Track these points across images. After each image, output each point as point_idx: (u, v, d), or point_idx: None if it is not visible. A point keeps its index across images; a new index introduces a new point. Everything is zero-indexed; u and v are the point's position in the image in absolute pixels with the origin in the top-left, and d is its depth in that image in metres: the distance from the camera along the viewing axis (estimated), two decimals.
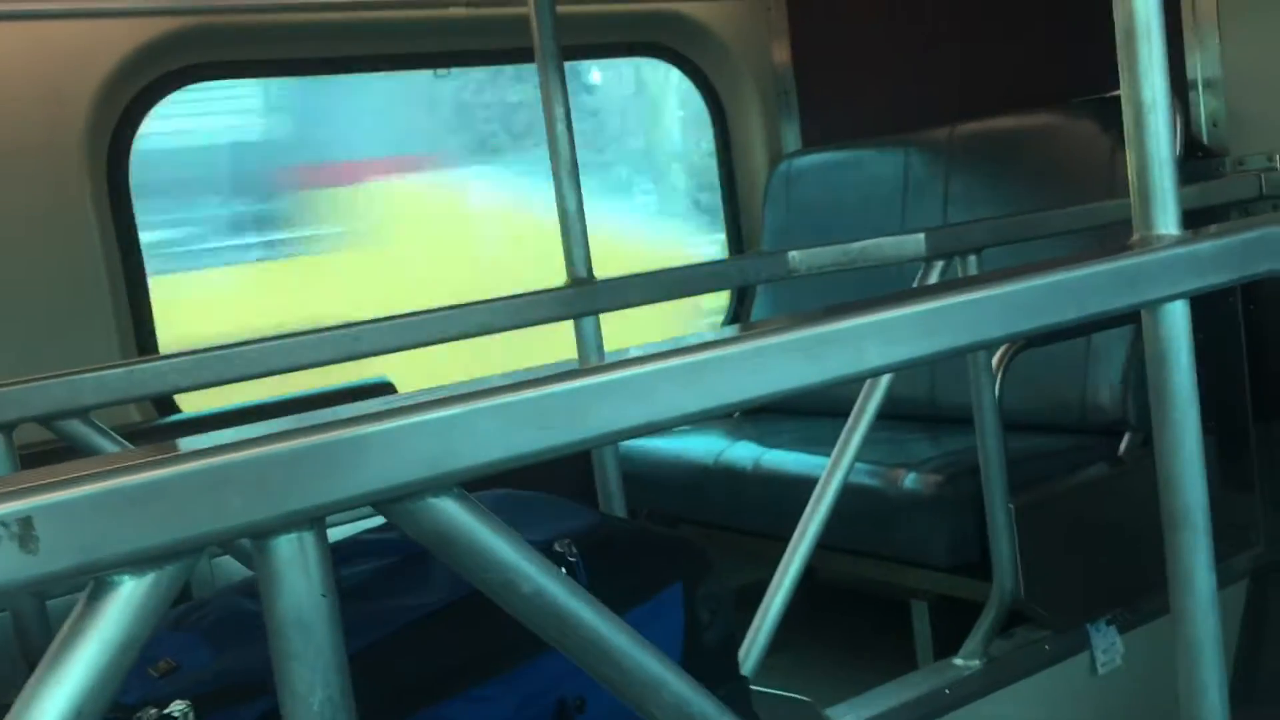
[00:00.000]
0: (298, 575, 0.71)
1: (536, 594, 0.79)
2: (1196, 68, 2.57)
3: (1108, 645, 2.34)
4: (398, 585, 1.37)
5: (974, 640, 2.20)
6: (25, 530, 0.60)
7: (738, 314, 3.53)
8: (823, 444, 2.70)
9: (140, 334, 2.62)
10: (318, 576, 0.72)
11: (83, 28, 2.54)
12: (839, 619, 2.96)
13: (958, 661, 2.22)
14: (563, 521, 1.46)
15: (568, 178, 1.87)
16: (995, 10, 3.14)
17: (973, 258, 2.06)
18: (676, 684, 0.83)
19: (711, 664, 1.44)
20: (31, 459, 1.48)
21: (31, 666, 1.50)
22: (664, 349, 0.83)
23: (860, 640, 2.87)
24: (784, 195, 3.38)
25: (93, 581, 0.66)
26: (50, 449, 1.60)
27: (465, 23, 3.01)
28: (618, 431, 0.80)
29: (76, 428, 1.46)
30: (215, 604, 1.42)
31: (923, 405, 2.86)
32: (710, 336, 0.85)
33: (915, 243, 2.01)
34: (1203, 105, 2.57)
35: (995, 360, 2.13)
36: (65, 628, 0.66)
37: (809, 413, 2.97)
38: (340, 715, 0.72)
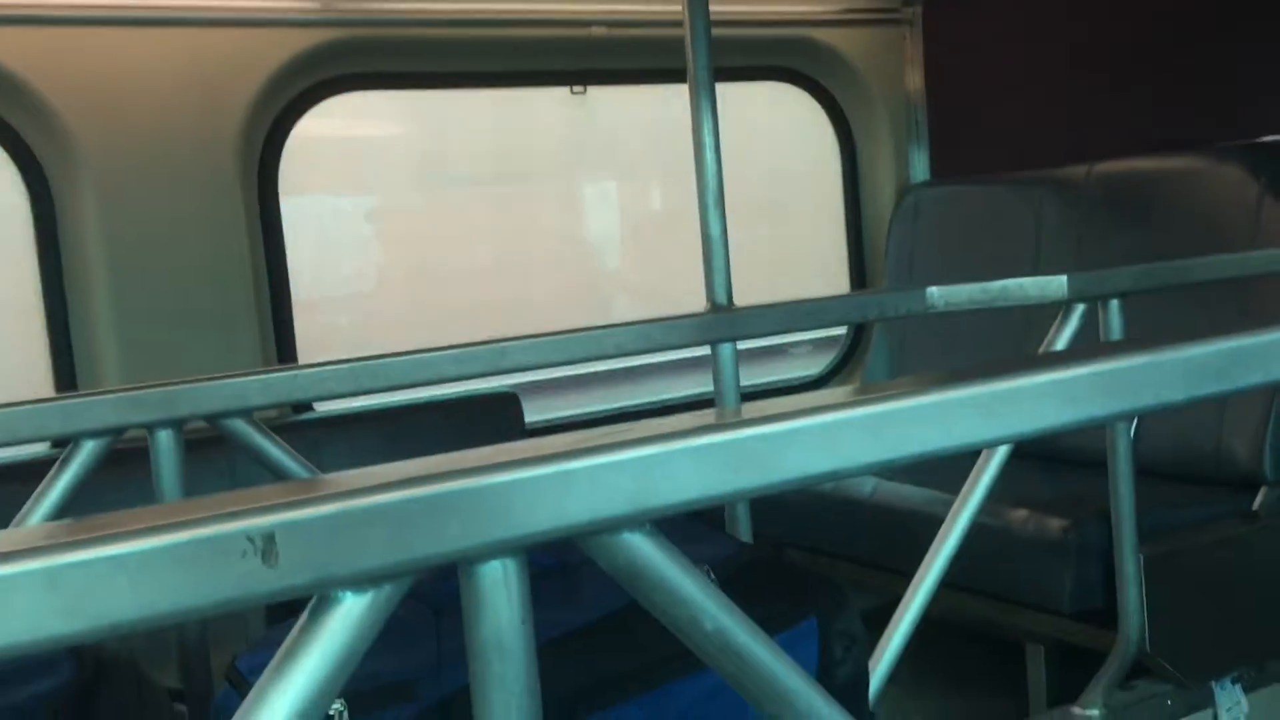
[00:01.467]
0: (501, 601, 0.74)
1: (717, 632, 0.81)
2: None
3: (1232, 704, 2.27)
4: (540, 601, 1.40)
5: (1095, 690, 2.16)
6: (268, 545, 0.64)
7: (855, 343, 3.51)
8: (938, 474, 2.68)
9: (281, 338, 2.71)
10: (519, 603, 0.75)
11: (242, 35, 2.64)
12: (948, 657, 2.93)
13: (1076, 710, 2.18)
14: (702, 547, 1.48)
15: (713, 204, 1.89)
16: (1138, 50, 3.08)
17: (1114, 303, 2.03)
18: None
19: (843, 701, 1.44)
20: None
21: (183, 647, 1.56)
22: (849, 397, 0.84)
23: (969, 681, 2.84)
24: (910, 227, 3.36)
25: (316, 596, 0.70)
26: (199, 439, 1.68)
27: (604, 43, 3.06)
28: (805, 478, 0.81)
29: (240, 426, 1.52)
30: None
31: (1040, 443, 2.81)
32: (891, 387, 0.86)
33: (1058, 285, 1.98)
34: None
35: None
36: (290, 639, 0.70)
37: None
38: None
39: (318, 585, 0.67)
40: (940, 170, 3.46)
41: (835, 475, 0.83)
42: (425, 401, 2.82)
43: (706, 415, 0.79)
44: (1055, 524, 2.30)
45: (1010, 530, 2.36)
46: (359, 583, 0.68)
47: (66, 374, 2.48)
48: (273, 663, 0.69)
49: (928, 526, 2.20)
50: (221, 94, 2.61)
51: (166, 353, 2.53)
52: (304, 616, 0.70)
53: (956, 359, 3.05)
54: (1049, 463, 2.69)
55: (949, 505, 2.39)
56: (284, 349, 2.74)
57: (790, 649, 1.45)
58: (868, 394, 0.84)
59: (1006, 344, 3.00)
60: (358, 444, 2.62)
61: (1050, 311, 2.29)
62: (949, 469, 2.69)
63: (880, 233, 3.47)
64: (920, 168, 3.48)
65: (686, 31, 1.94)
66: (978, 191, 3.23)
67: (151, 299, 2.54)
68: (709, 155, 1.89)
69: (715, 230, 1.89)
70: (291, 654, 0.68)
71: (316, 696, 0.68)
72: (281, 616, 2.01)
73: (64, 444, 2.45)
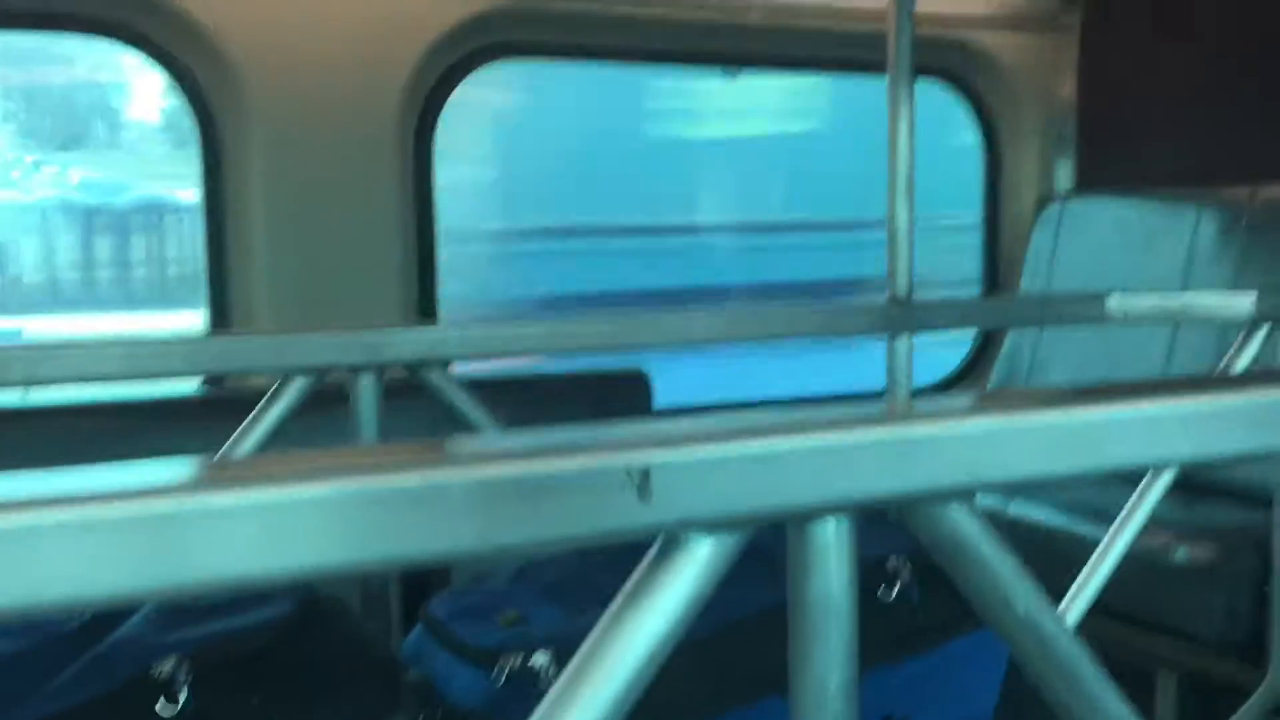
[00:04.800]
0: (832, 560, 0.73)
1: (1028, 616, 0.79)
2: None
3: None
4: (736, 575, 1.39)
5: None
6: (644, 481, 0.63)
7: (982, 349, 3.43)
8: (1067, 494, 2.63)
9: (424, 298, 2.73)
10: (847, 564, 0.73)
11: None
12: None
13: None
14: (895, 537, 1.45)
15: (903, 195, 1.86)
16: None
17: None
18: None
19: (1032, 704, 1.41)
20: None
21: (366, 591, 1.57)
22: (1168, 385, 0.81)
23: None
24: (1050, 239, 3.29)
25: (663, 538, 0.69)
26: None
27: (761, 28, 3.04)
28: (1129, 464, 0.79)
29: (437, 376, 1.53)
30: (550, 565, 1.47)
31: (1191, 470, 2.75)
32: (1211, 379, 0.84)
33: (1244, 302, 1.93)
34: None
35: None
36: (636, 578, 0.69)
37: None
38: (852, 704, 0.74)
39: (681, 525, 0.66)
40: (1086, 182, 3.39)
41: (1146, 465, 0.80)
42: (556, 374, 2.83)
43: (1047, 393, 0.77)
44: (1208, 550, 2.25)
45: (1157, 554, 2.31)
46: (716, 527, 0.67)
47: (220, 312, 2.52)
48: (618, 604, 0.68)
49: (1067, 548, 2.15)
50: (389, 51, 2.63)
51: (315, 301, 2.55)
52: (650, 556, 0.69)
53: (1094, 377, 2.98)
54: (1196, 490, 2.63)
55: (1089, 527, 2.35)
56: (425, 309, 2.76)
57: (981, 646, 1.43)
58: (1184, 384, 0.82)
59: (1141, 366, 2.93)
60: (493, 409, 2.62)
61: (1190, 336, 2.23)
62: (1079, 490, 2.63)
63: (1017, 241, 3.41)
64: (1065, 177, 3.41)
65: (890, 23, 1.92)
66: (1127, 206, 3.16)
67: (307, 248, 2.56)
68: (903, 145, 1.86)
69: (903, 222, 1.87)
70: (643, 594, 0.67)
71: (665, 637, 0.67)
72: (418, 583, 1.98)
73: (215, 382, 2.52)
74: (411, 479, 0.60)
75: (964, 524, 0.76)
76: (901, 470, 0.71)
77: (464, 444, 0.65)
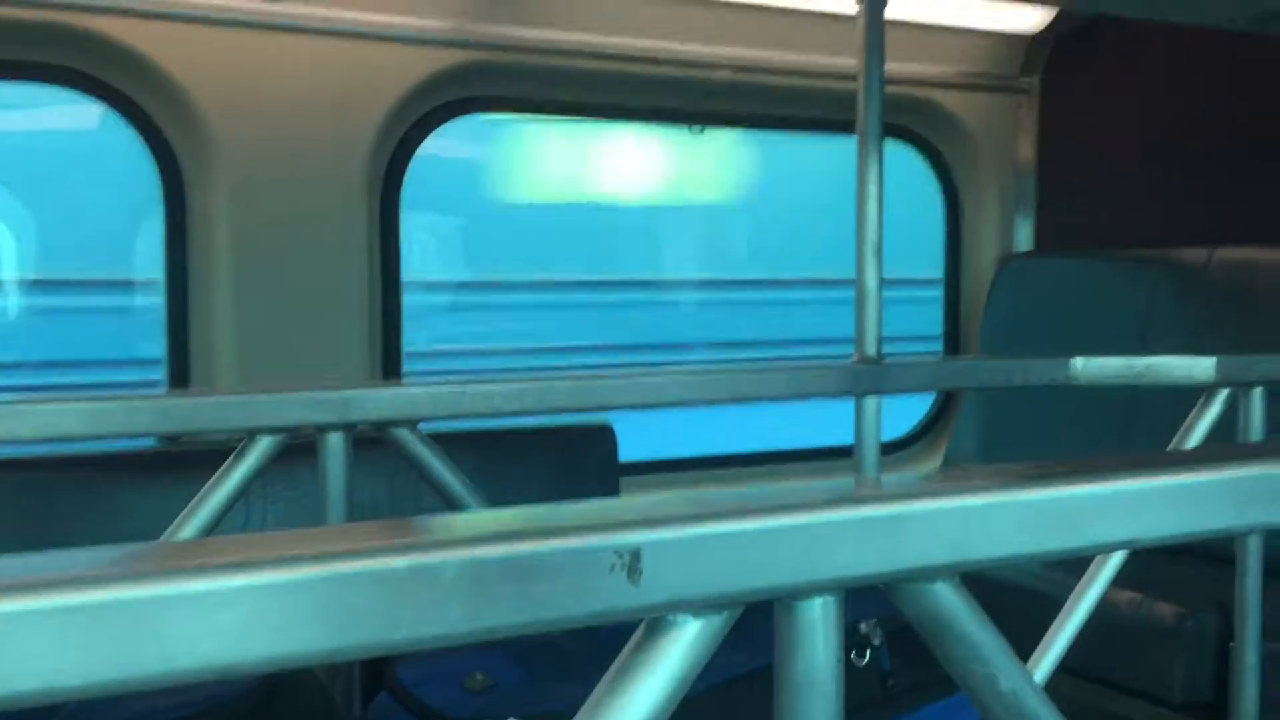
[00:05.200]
0: (818, 639, 0.72)
1: (1012, 693, 0.79)
2: None
3: None
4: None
5: None
6: (634, 562, 0.62)
7: (940, 413, 3.45)
8: None
9: (388, 352, 2.71)
10: (835, 643, 0.73)
11: (383, 50, 2.65)
12: None
13: None
14: (868, 601, 1.45)
15: (872, 256, 1.88)
16: (1270, 133, 3.06)
17: (1258, 390, 2.00)
18: None
19: None
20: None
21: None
22: (1151, 460, 0.82)
23: None
24: (1010, 297, 3.34)
25: (648, 619, 0.68)
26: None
27: (728, 86, 3.07)
28: (1109, 543, 0.79)
29: (406, 436, 1.51)
30: None
31: None
32: (1198, 453, 0.84)
33: (1207, 366, 1.96)
34: None
35: None
36: (622, 660, 0.68)
37: None
38: None
39: (671, 606, 0.65)
40: (1045, 242, 3.44)
41: (1132, 544, 0.81)
42: (522, 427, 2.81)
43: (1031, 468, 0.77)
44: (1169, 611, 2.26)
45: (1120, 615, 2.32)
46: (705, 608, 0.67)
47: (181, 367, 2.49)
48: (604, 687, 0.67)
49: (1034, 603, 2.15)
50: (358, 105, 2.63)
51: (279, 355, 2.53)
52: (637, 638, 0.68)
53: (1055, 435, 3.01)
54: (1159, 549, 2.64)
55: (1056, 582, 2.36)
56: (389, 363, 2.74)
57: (954, 713, 1.42)
58: (1167, 463, 0.82)
59: (1101, 420, 2.96)
60: (460, 463, 2.60)
61: (1151, 397, 2.24)
62: None
63: (978, 300, 3.45)
64: (1025, 237, 3.47)
65: (860, 83, 1.95)
66: (1085, 266, 3.21)
67: (270, 300, 2.54)
68: (872, 206, 1.88)
69: (871, 282, 1.88)
70: (630, 677, 0.66)
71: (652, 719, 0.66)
72: None
73: (174, 439, 2.48)
74: (398, 561, 0.59)
75: (949, 600, 0.76)
76: (891, 550, 0.71)
77: (449, 524, 0.64)
